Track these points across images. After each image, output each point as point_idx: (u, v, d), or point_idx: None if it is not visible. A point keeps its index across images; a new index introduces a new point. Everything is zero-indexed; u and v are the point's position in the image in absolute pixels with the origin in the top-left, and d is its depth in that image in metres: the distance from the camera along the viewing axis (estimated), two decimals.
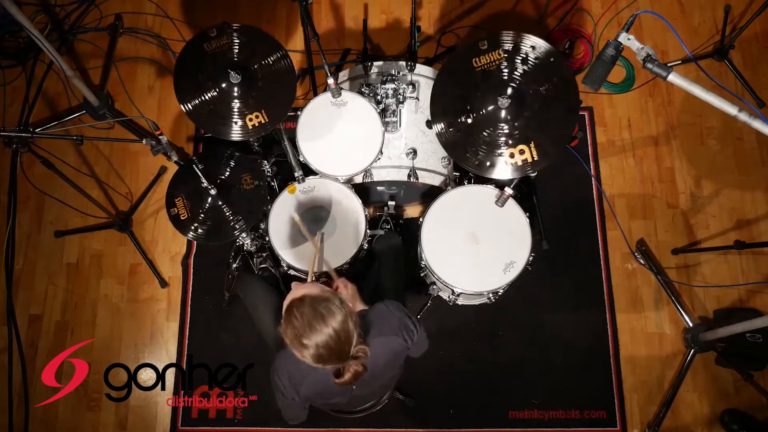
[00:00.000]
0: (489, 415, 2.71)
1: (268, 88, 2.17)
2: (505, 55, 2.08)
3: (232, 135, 2.17)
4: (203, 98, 2.16)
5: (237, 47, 2.19)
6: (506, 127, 2.05)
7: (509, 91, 2.01)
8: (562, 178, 3.01)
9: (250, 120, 2.14)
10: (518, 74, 2.06)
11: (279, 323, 1.58)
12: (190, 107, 2.16)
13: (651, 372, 2.77)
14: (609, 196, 3.01)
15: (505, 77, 2.07)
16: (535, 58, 2.07)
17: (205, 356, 2.75)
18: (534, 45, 2.07)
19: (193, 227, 2.30)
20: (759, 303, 2.83)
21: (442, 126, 2.09)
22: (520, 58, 2.07)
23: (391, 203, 2.78)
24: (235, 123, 2.16)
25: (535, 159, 2.04)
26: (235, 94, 2.14)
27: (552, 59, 2.06)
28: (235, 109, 2.16)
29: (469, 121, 2.07)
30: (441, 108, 2.11)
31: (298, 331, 1.50)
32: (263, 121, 2.14)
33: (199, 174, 2.16)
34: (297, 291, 1.64)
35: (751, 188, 3.00)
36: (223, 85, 2.14)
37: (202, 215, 2.30)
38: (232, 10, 3.41)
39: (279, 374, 1.72)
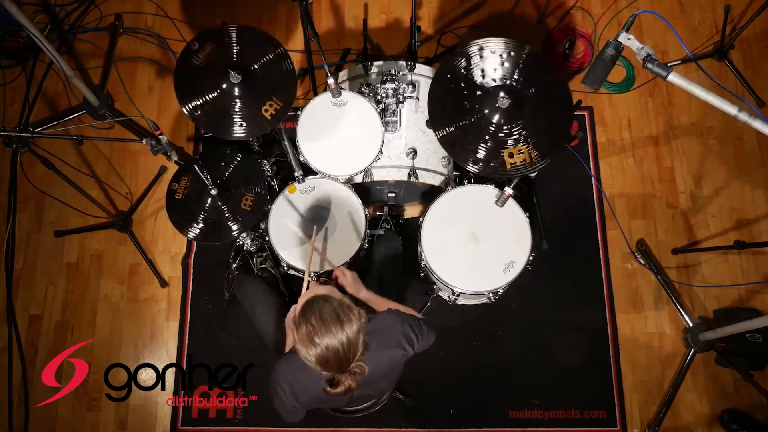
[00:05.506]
0: (489, 415, 2.71)
1: (269, 78, 2.16)
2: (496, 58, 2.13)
3: (249, 132, 2.15)
4: (209, 104, 2.14)
5: (232, 49, 2.18)
6: (505, 127, 2.06)
7: (506, 92, 2.03)
8: (562, 178, 3.01)
9: (266, 111, 2.13)
10: (511, 74, 2.10)
11: (278, 324, 1.57)
12: (198, 115, 2.14)
13: (651, 372, 2.77)
14: (609, 196, 3.01)
15: (500, 78, 2.10)
16: (524, 57, 2.12)
17: (205, 356, 2.75)
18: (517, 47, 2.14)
19: (179, 211, 2.27)
20: (759, 303, 2.83)
21: (443, 130, 2.10)
22: (510, 58, 2.13)
23: (391, 203, 2.78)
24: (250, 120, 2.14)
25: (535, 157, 2.04)
26: (239, 92, 2.14)
27: (537, 59, 2.13)
28: (246, 107, 2.15)
29: (470, 124, 2.07)
30: (440, 115, 2.12)
31: (314, 328, 1.48)
32: (278, 108, 2.13)
33: (201, 173, 2.15)
34: (319, 289, 1.63)
35: (751, 188, 3.00)
36: (225, 87, 2.13)
37: (194, 206, 2.27)
38: (232, 10, 3.40)
39: (280, 383, 1.70)
